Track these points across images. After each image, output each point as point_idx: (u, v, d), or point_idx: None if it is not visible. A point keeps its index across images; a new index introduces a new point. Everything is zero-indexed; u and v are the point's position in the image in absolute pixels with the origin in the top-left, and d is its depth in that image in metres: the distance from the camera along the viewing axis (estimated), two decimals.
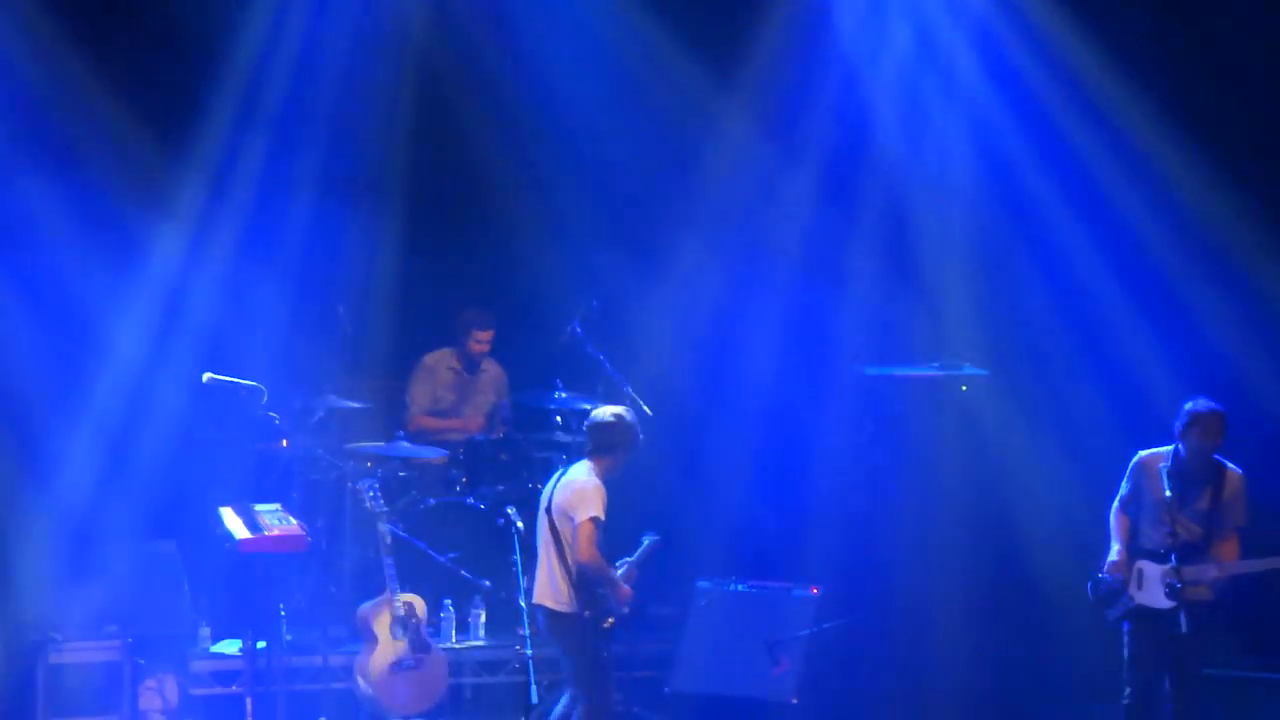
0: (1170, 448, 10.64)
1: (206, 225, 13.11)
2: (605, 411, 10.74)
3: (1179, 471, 10.56)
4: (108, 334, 12.84)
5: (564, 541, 10.49)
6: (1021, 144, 13.55)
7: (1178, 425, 10.56)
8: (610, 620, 10.57)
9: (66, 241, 12.68)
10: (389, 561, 12.10)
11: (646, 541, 10.75)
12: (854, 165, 13.70)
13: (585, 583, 10.47)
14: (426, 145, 13.69)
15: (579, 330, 13.37)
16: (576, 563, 10.43)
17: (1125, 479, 10.84)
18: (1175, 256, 13.34)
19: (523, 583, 10.25)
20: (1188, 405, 10.58)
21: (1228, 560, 10.58)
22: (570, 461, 11.06)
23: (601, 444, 10.64)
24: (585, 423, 10.78)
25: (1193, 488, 10.60)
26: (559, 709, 10.75)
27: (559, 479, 10.67)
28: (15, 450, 11.68)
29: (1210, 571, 10.53)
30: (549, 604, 10.52)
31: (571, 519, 10.49)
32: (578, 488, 10.53)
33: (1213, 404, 10.58)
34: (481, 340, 13.49)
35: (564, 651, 10.58)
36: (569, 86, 13.58)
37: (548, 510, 10.54)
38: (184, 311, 13.09)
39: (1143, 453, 10.82)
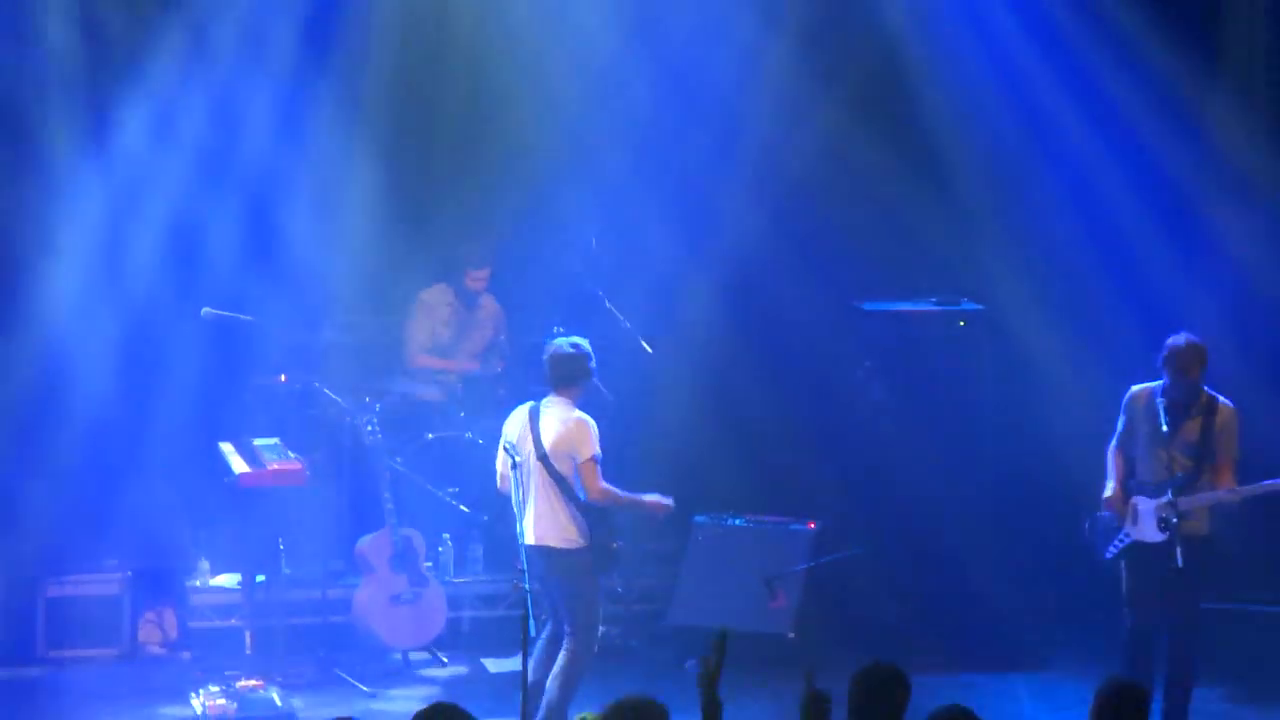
0: (1160, 382, 10.65)
1: (205, 152, 13.06)
2: (563, 343, 10.72)
3: (1169, 404, 10.58)
4: (111, 267, 12.81)
5: (566, 480, 10.52)
6: (1030, 77, 13.50)
7: (1159, 359, 10.59)
8: (617, 544, 10.65)
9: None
10: (387, 496, 12.13)
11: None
12: (867, 103, 13.63)
13: (598, 516, 10.52)
14: (426, 76, 13.61)
15: (578, 266, 13.37)
16: (593, 499, 10.47)
17: (1120, 414, 10.86)
18: (1182, 184, 13.33)
19: (520, 518, 10.28)
20: (1169, 339, 10.61)
21: (1220, 490, 10.60)
22: (522, 401, 11.01)
23: (566, 376, 10.62)
24: (545, 356, 10.73)
25: (1183, 420, 10.61)
26: (540, 646, 10.74)
27: (534, 419, 10.61)
28: (18, 384, 11.68)
29: (1205, 497, 10.54)
30: (553, 543, 10.53)
31: (573, 458, 10.51)
32: (574, 428, 10.52)
33: (1191, 337, 10.57)
34: (477, 278, 13.46)
35: (565, 588, 10.60)
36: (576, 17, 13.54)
37: (541, 456, 10.52)
38: (183, 245, 13.07)
39: (1134, 387, 10.82)
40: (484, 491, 12.85)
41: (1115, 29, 13.36)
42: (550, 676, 10.58)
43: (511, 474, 10.44)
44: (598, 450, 10.51)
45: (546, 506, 10.53)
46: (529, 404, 10.71)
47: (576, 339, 10.79)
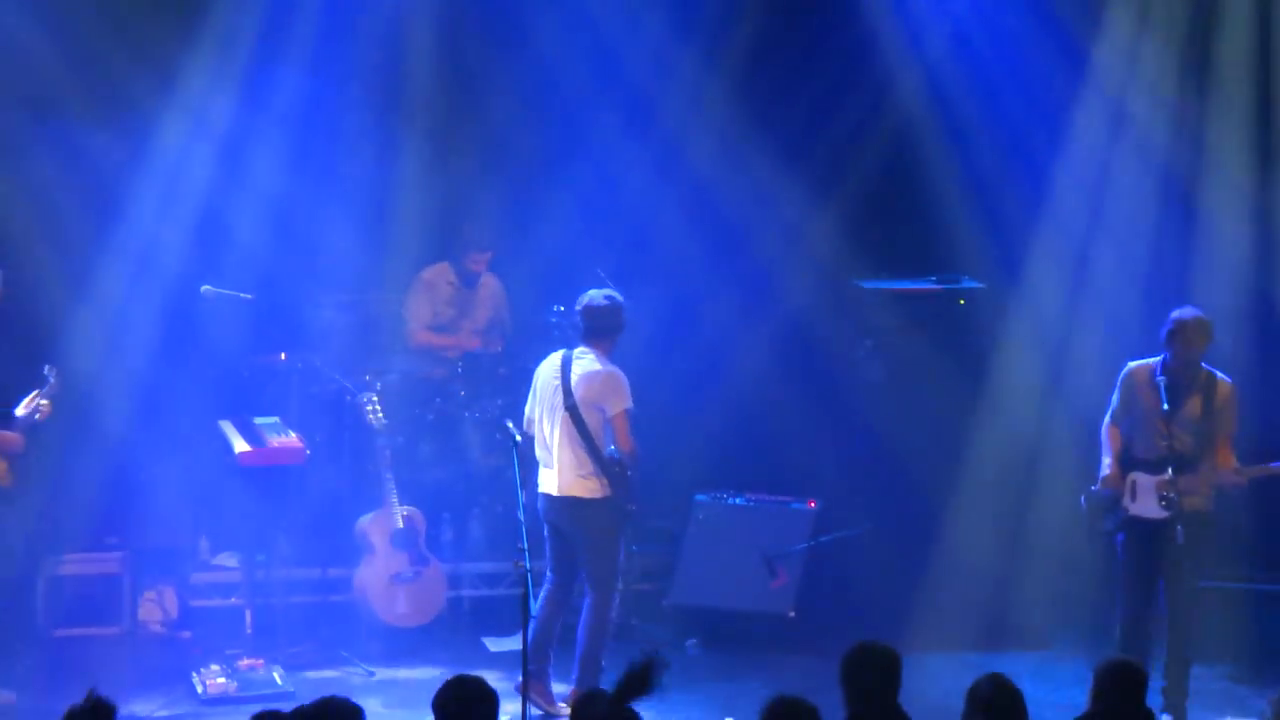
0: (1159, 358, 10.64)
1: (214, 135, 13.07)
2: (597, 295, 10.78)
3: (1169, 381, 10.57)
4: (119, 233, 12.81)
5: (592, 432, 10.52)
6: (1021, 49, 13.48)
7: (1163, 333, 10.58)
8: (633, 506, 10.72)
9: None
10: (388, 475, 12.13)
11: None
12: (855, 79, 13.62)
13: (618, 475, 10.52)
14: (431, 55, 13.60)
15: (576, 245, 13.37)
16: (624, 453, 10.50)
17: (1115, 390, 10.85)
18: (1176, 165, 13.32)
19: (521, 496, 10.29)
20: (1174, 313, 10.59)
21: (1222, 468, 10.60)
22: (557, 348, 11.05)
23: (599, 328, 10.70)
24: (578, 307, 10.77)
25: (1183, 397, 10.60)
26: (540, 604, 10.75)
27: (566, 369, 10.64)
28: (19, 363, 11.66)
29: (1211, 478, 10.54)
30: (577, 493, 10.56)
31: (603, 410, 10.53)
32: (603, 379, 10.58)
33: (1197, 311, 10.57)
34: (479, 261, 13.45)
35: (585, 539, 10.63)
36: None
37: (570, 406, 10.53)
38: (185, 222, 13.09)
39: (1132, 363, 10.82)
40: (485, 470, 12.88)
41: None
42: (579, 629, 10.62)
43: (533, 417, 10.60)
44: (630, 404, 10.57)
45: (570, 457, 10.57)
46: (561, 351, 10.76)
47: (610, 290, 10.83)
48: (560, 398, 10.59)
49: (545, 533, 10.60)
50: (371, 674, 11.79)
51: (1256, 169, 13.14)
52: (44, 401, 11.13)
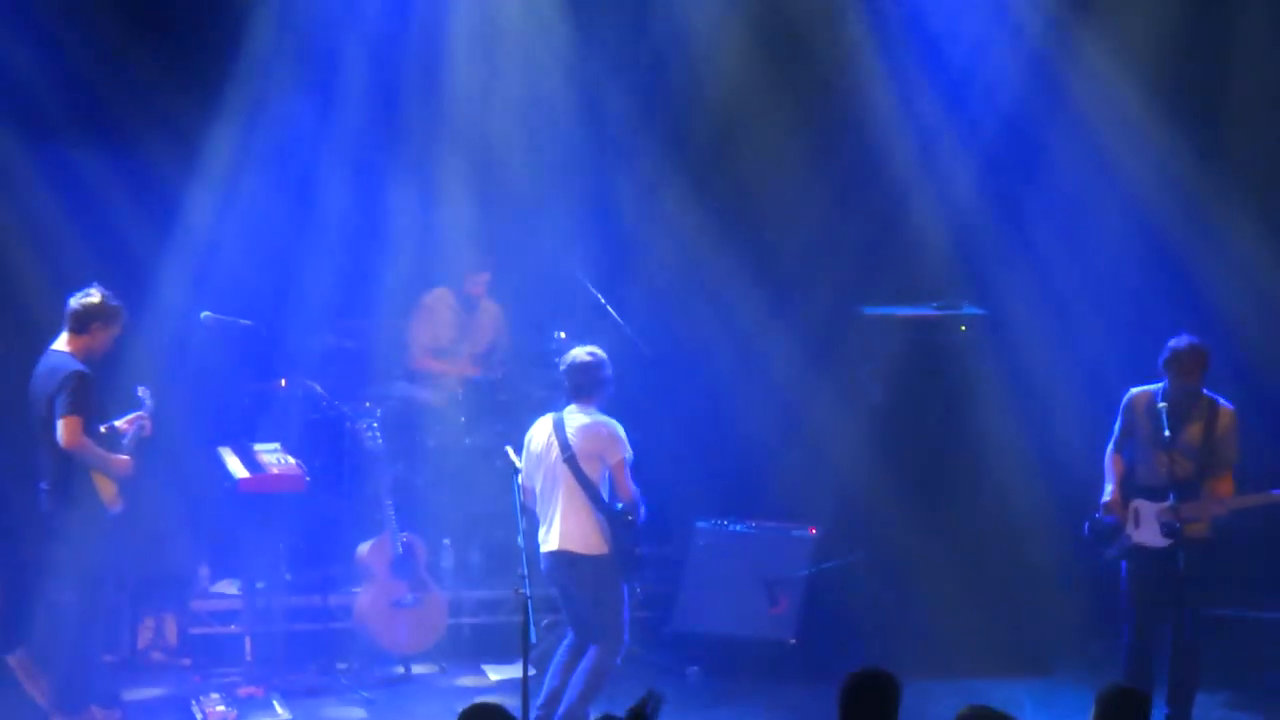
0: (1160, 384, 10.64)
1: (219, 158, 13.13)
2: (581, 351, 10.73)
3: (1170, 407, 10.56)
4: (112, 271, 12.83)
5: (594, 484, 10.50)
6: (1030, 82, 13.51)
7: (1160, 360, 10.58)
8: (640, 549, 10.65)
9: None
10: (388, 501, 12.11)
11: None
12: (858, 102, 13.64)
13: (622, 521, 10.49)
14: (427, 87, 13.65)
15: (578, 271, 13.36)
16: (626, 502, 10.46)
17: (1118, 417, 10.84)
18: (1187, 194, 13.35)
19: (521, 523, 10.27)
20: (1170, 341, 10.60)
21: (1223, 496, 10.58)
22: (544, 411, 11.03)
23: (586, 383, 10.65)
24: (565, 366, 10.73)
25: (1184, 424, 10.59)
26: (561, 652, 10.73)
27: (559, 428, 10.58)
28: (15, 390, 11.63)
29: (1211, 508, 10.53)
30: (576, 549, 10.49)
31: (602, 459, 10.50)
32: (602, 432, 10.54)
33: (1192, 339, 10.57)
34: (477, 282, 13.46)
35: (590, 595, 10.57)
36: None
37: (569, 459, 10.50)
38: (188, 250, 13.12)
39: (1134, 390, 10.82)
40: (484, 497, 12.86)
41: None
42: (573, 676, 10.56)
43: (530, 483, 10.52)
44: (629, 453, 10.53)
45: (572, 512, 10.49)
46: (550, 415, 10.72)
47: (592, 347, 10.80)
48: (558, 452, 10.54)
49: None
50: (372, 701, 11.76)
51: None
52: (147, 420, 11.10)
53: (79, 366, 10.78)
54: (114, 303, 10.94)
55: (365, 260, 13.53)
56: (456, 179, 13.70)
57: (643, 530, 10.70)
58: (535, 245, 13.72)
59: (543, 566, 10.59)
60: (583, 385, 10.65)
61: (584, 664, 10.59)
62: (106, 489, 10.90)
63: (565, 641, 10.79)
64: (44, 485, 10.89)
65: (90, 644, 11.04)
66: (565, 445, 10.53)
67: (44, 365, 10.92)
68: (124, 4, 12.82)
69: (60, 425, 10.69)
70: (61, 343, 10.92)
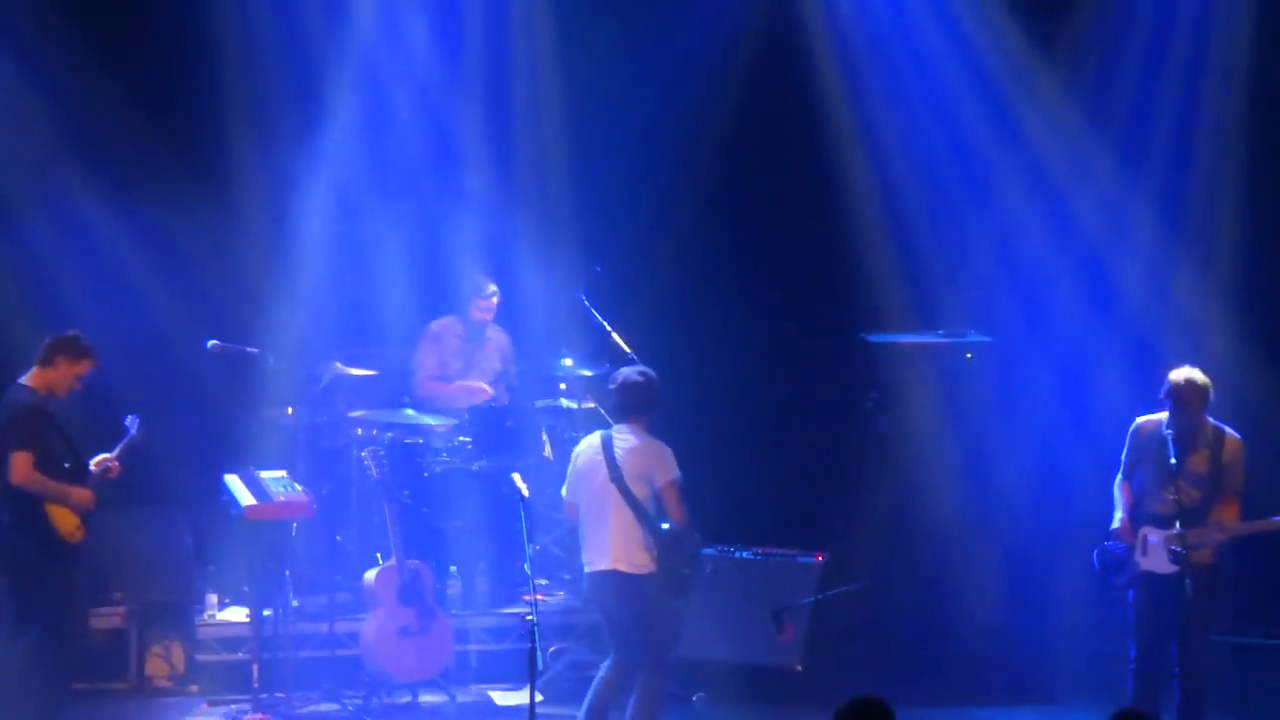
0: (1167, 412, 10.64)
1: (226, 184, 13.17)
2: (631, 371, 10.72)
3: (1176, 435, 10.57)
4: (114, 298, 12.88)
5: (642, 504, 10.48)
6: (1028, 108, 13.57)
7: (1160, 392, 10.60)
8: (688, 569, 10.58)
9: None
10: (395, 529, 12.11)
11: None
12: (860, 130, 13.68)
13: (671, 541, 10.48)
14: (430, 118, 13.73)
15: (584, 297, 13.38)
16: (675, 522, 10.43)
17: (1125, 445, 10.86)
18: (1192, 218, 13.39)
19: (529, 550, 10.24)
20: (1170, 373, 10.62)
21: (1229, 523, 10.59)
22: (587, 429, 11.01)
23: (636, 403, 10.60)
24: (613, 385, 10.71)
25: (1189, 452, 10.60)
26: (602, 675, 10.68)
27: (608, 446, 10.57)
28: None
29: (1213, 535, 10.54)
30: (623, 568, 10.43)
31: (651, 480, 10.47)
32: (652, 451, 10.51)
33: (1190, 372, 10.58)
34: (483, 308, 13.46)
35: (639, 615, 10.52)
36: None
37: (617, 479, 10.50)
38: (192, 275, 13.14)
39: (1140, 418, 10.83)
40: (491, 524, 12.87)
41: None
42: (629, 706, 10.50)
43: (574, 499, 10.52)
44: (677, 474, 10.49)
45: (620, 532, 10.42)
46: (599, 433, 10.70)
47: (643, 367, 10.81)
48: (606, 472, 10.50)
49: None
50: None
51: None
52: (114, 463, 11.07)
53: (33, 400, 10.78)
54: (84, 341, 10.94)
55: (371, 288, 13.55)
56: (463, 203, 13.78)
57: (690, 553, 10.66)
58: (542, 269, 13.75)
59: (586, 587, 10.56)
60: (633, 405, 10.62)
61: (634, 703, 10.51)
62: (65, 521, 10.85)
63: (602, 670, 10.75)
64: (4, 518, 10.88)
65: (58, 675, 10.96)
66: (614, 465, 10.49)
67: (4, 398, 10.93)
68: (112, 37, 12.88)
69: (11, 460, 10.69)
70: (26, 376, 10.93)
